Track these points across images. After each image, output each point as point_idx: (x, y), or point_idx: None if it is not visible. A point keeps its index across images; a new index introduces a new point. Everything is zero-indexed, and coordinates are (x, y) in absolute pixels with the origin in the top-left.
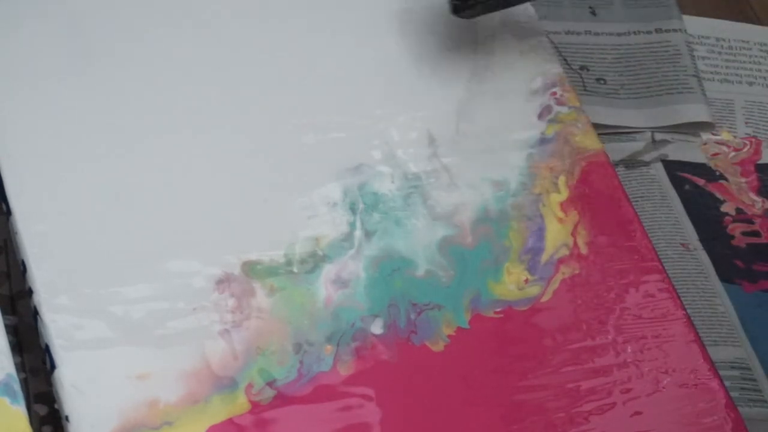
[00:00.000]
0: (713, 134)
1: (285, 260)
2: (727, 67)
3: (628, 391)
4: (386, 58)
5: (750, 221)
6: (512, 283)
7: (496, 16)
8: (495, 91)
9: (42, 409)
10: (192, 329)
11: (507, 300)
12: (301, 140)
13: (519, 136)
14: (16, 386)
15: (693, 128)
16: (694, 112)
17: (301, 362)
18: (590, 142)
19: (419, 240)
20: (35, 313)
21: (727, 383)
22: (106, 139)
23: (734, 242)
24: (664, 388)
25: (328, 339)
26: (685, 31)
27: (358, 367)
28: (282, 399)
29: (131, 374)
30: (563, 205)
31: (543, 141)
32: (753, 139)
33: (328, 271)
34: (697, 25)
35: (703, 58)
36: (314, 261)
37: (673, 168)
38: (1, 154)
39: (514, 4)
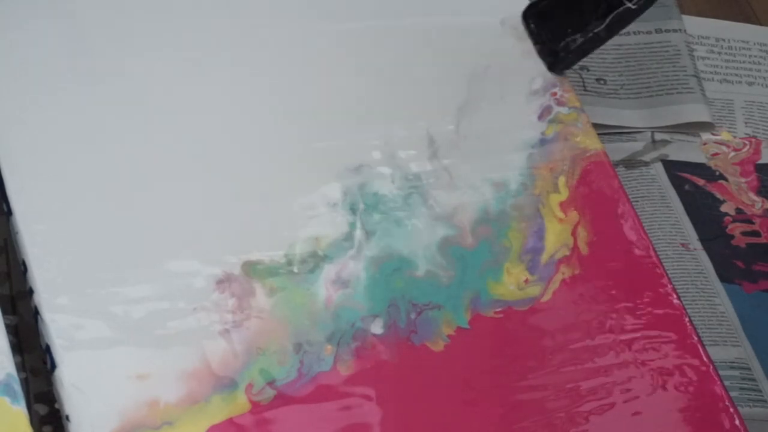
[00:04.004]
0: (713, 134)
1: (285, 260)
2: (726, 67)
3: (628, 391)
4: (387, 58)
5: (750, 221)
6: (512, 284)
7: (497, 16)
8: (495, 92)
9: (42, 409)
10: (192, 329)
11: (507, 300)
12: (302, 140)
13: (519, 136)
14: (17, 386)
15: (693, 128)
16: (694, 112)
17: (301, 362)
18: (590, 142)
19: (419, 240)
20: (36, 313)
21: (727, 383)
22: (106, 139)
23: (734, 242)
24: (664, 388)
25: (328, 339)
26: (685, 31)
27: (358, 367)
28: (282, 399)
29: (131, 374)
30: (563, 206)
31: (543, 141)
32: (753, 139)
33: (329, 271)
34: (697, 25)
35: (703, 58)
36: (314, 261)
37: (673, 168)
38: (1, 154)
39: (602, 44)
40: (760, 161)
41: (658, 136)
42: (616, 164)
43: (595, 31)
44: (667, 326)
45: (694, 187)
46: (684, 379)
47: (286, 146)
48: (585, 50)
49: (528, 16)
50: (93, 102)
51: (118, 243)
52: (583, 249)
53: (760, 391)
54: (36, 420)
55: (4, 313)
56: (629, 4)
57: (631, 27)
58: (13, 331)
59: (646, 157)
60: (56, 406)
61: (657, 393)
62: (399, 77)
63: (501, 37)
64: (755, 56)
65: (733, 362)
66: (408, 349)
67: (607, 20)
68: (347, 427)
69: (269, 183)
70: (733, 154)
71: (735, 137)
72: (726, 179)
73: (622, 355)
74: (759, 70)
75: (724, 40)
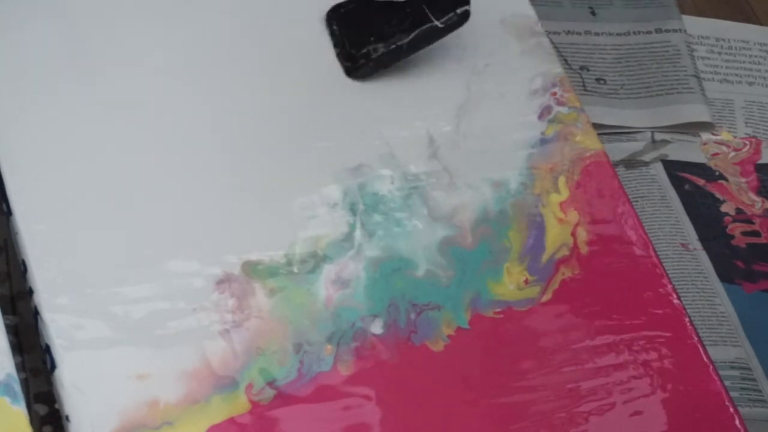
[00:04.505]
0: (713, 134)
1: (285, 260)
2: (727, 67)
3: (628, 391)
4: None
5: (750, 221)
6: (512, 284)
7: (497, 16)
8: (495, 92)
9: (42, 409)
10: (192, 329)
11: (507, 300)
12: (302, 141)
13: (519, 136)
14: (17, 386)
15: (693, 128)
16: (694, 112)
17: (301, 362)
18: (590, 142)
19: (419, 240)
20: (35, 313)
21: (727, 383)
22: (106, 139)
23: (734, 242)
24: (664, 388)
25: (328, 339)
26: (685, 31)
27: (358, 367)
28: (282, 399)
29: (131, 374)
30: (563, 206)
31: (543, 141)
32: (753, 139)
33: (329, 271)
34: (697, 25)
35: (703, 58)
36: (314, 261)
37: (673, 168)
38: (1, 154)
39: (403, 58)
40: (760, 161)
41: (658, 136)
42: (616, 164)
43: (398, 43)
44: (667, 326)
45: (694, 187)
46: (684, 379)
47: (286, 146)
48: (385, 61)
49: (331, 18)
50: (93, 102)
51: (118, 243)
52: (583, 249)
53: (760, 391)
54: (36, 420)
55: (4, 313)
56: (436, 23)
57: (631, 27)
58: (13, 331)
59: (646, 157)
60: (56, 406)
61: (657, 393)
62: (399, 77)
63: (501, 36)
64: (755, 56)
65: (733, 362)
66: (408, 349)
67: (412, 35)
68: (347, 427)
69: (269, 183)
70: (733, 154)
71: (735, 137)
72: (726, 179)
73: (622, 355)
74: (759, 70)
75: (724, 40)
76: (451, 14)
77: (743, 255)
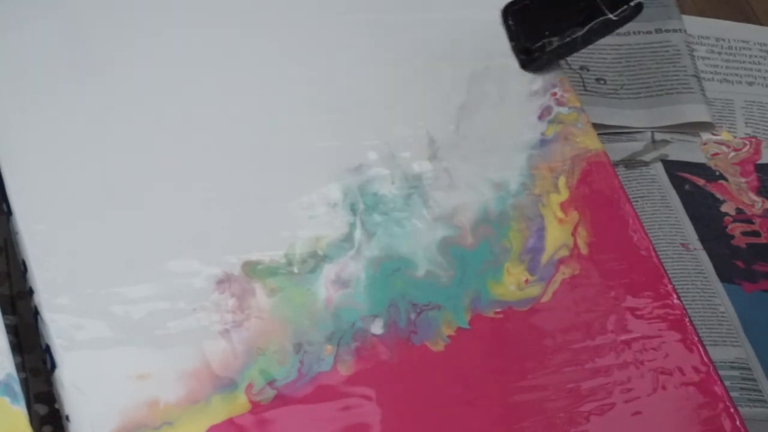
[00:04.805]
0: (713, 134)
1: (285, 260)
2: (727, 67)
3: (628, 391)
4: (387, 59)
5: (750, 221)
6: (512, 284)
7: (497, 16)
8: (495, 92)
9: (42, 409)
10: (192, 329)
11: (507, 300)
12: (302, 141)
13: (519, 137)
14: (17, 386)
15: (693, 128)
16: (694, 112)
17: (301, 362)
18: (590, 142)
19: (419, 240)
20: (36, 313)
21: (727, 383)
22: (106, 139)
23: (734, 242)
24: (664, 388)
25: (328, 339)
26: (685, 31)
27: (359, 367)
28: (282, 399)
29: (131, 374)
30: (563, 206)
31: (543, 142)
32: (753, 139)
33: (329, 271)
34: (697, 25)
35: (703, 58)
36: (314, 261)
37: (673, 168)
38: (1, 154)
39: (578, 50)
40: (760, 161)
41: (658, 136)
42: (616, 164)
43: (573, 36)
44: (667, 326)
45: (694, 187)
46: (684, 379)
47: (287, 146)
48: (560, 54)
49: (508, 12)
50: (93, 102)
51: (118, 243)
52: (583, 249)
53: (760, 391)
54: (36, 420)
55: (4, 313)
56: (610, 15)
57: (631, 27)
58: (13, 331)
59: (646, 157)
60: (56, 406)
61: (657, 393)
62: (399, 77)
63: (501, 37)
64: (755, 56)
65: (733, 362)
66: (408, 349)
67: (587, 28)
68: (347, 427)
69: (269, 183)
70: (733, 154)
71: (735, 137)
72: (726, 179)
73: (622, 355)
74: (759, 70)
75: (724, 40)
76: (625, 7)
77: (743, 255)
